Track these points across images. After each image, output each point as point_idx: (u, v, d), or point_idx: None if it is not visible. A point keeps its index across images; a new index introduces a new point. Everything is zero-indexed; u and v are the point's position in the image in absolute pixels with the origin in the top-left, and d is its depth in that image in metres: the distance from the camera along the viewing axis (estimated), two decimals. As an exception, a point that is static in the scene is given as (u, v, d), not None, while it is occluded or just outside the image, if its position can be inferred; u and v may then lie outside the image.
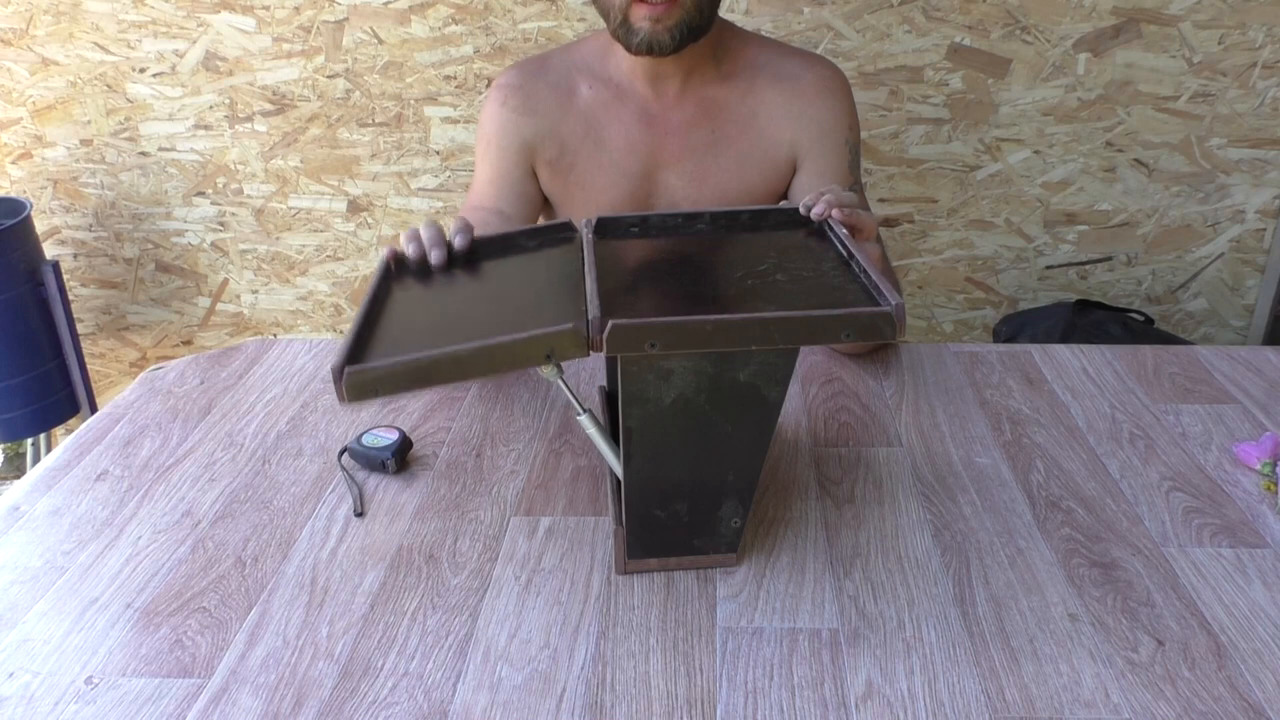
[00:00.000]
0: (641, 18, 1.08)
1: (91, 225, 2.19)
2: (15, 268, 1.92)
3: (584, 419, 0.83)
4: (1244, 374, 1.13)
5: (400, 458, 0.97)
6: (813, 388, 1.11)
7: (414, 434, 1.03)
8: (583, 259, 0.89)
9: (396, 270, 0.95)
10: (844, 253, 0.86)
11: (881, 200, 2.01)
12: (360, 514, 0.91)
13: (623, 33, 1.11)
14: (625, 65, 1.19)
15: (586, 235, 0.92)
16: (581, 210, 1.25)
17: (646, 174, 1.23)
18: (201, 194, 2.14)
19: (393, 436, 0.98)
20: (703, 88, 1.20)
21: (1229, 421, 1.04)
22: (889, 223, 2.03)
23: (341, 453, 0.99)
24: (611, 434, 0.85)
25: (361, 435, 0.98)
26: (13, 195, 2.05)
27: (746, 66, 1.21)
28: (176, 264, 2.22)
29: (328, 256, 2.18)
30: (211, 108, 2.05)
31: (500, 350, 0.73)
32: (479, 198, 1.25)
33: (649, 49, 1.10)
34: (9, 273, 1.91)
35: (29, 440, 2.15)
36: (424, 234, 0.97)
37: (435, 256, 0.95)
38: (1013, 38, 1.88)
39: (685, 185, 1.22)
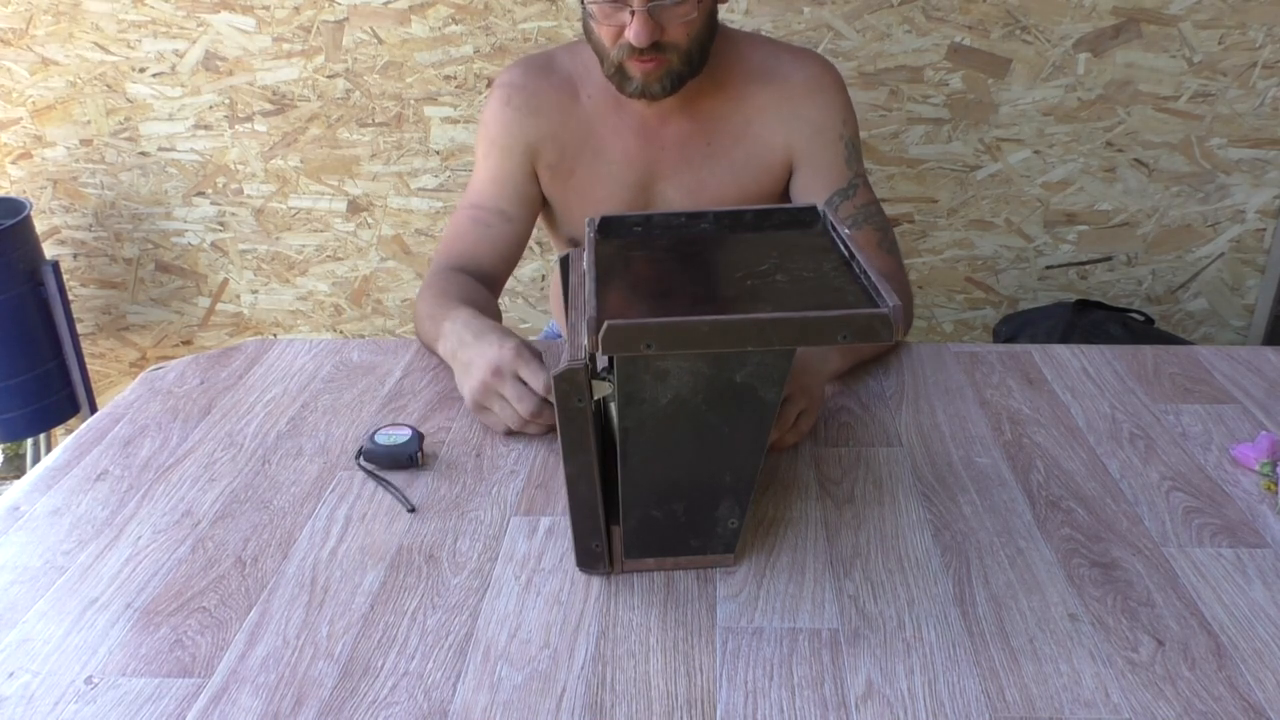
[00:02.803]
0: (634, 70, 1.11)
1: (91, 225, 2.19)
2: (15, 268, 1.92)
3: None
4: (1244, 374, 1.13)
5: (422, 452, 0.98)
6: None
7: (414, 434, 1.03)
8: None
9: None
10: (845, 253, 0.86)
11: (881, 200, 2.01)
12: (412, 510, 0.91)
13: (617, 79, 1.13)
14: None
15: (589, 234, 0.92)
16: (580, 217, 1.25)
17: (644, 186, 1.23)
18: (201, 194, 2.14)
19: (407, 433, 0.98)
20: (698, 99, 1.20)
21: (1229, 421, 1.04)
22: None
23: (358, 455, 0.99)
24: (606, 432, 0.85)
25: (374, 435, 0.98)
26: (13, 195, 2.05)
27: (739, 72, 1.21)
28: (176, 264, 2.22)
29: (328, 256, 2.18)
30: (211, 108, 2.05)
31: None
32: (479, 196, 1.24)
33: (641, 95, 1.13)
34: (9, 273, 1.91)
35: (29, 440, 2.15)
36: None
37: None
38: (1013, 38, 1.88)
39: (682, 197, 1.22)
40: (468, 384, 1.00)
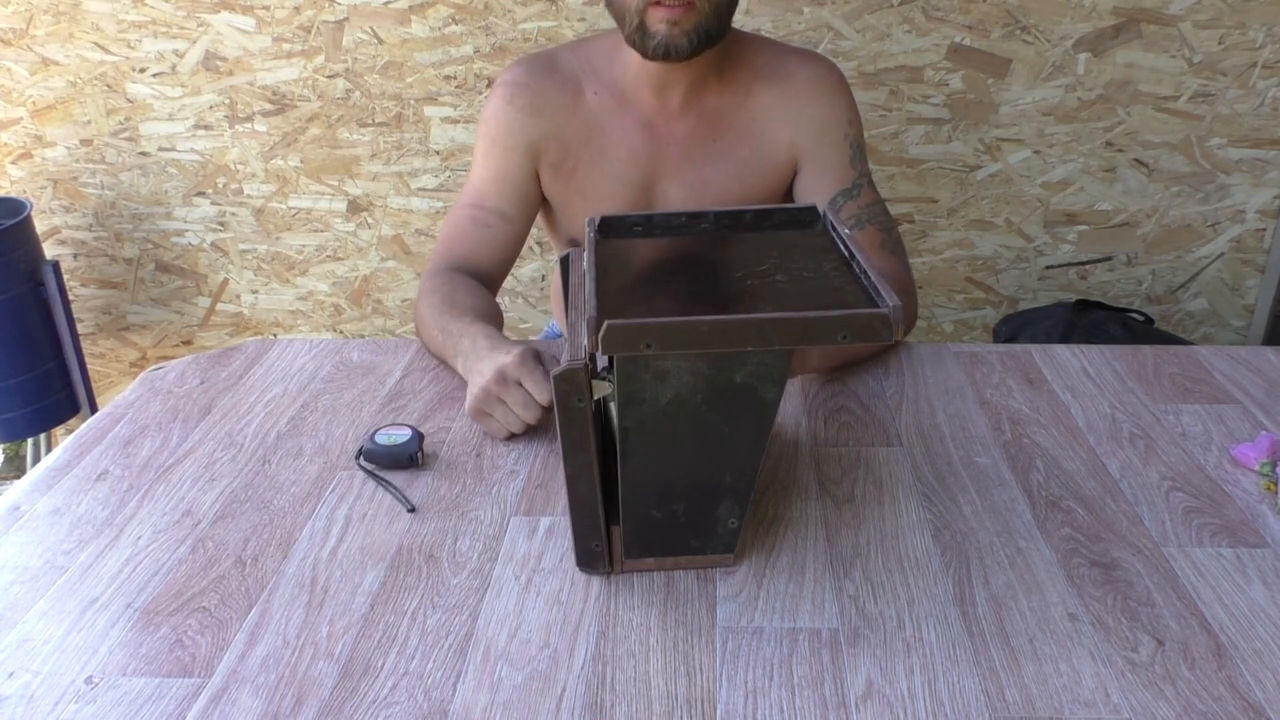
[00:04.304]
0: (659, 21, 1.07)
1: (91, 225, 2.19)
2: (15, 268, 1.92)
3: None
4: (1244, 374, 1.13)
5: (422, 452, 0.98)
6: (813, 387, 1.11)
7: (414, 434, 1.03)
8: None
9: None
10: (845, 253, 0.86)
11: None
12: (412, 510, 0.91)
13: (639, 37, 1.09)
14: (631, 71, 1.18)
15: (589, 234, 0.92)
16: (582, 216, 1.24)
17: (647, 184, 1.22)
18: (201, 194, 2.14)
19: (407, 433, 0.98)
20: (704, 97, 1.19)
21: (1229, 421, 1.04)
22: (889, 223, 2.04)
23: (358, 455, 0.99)
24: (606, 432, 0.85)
25: (374, 435, 0.98)
26: (13, 195, 2.05)
27: (744, 70, 1.20)
28: (176, 264, 2.22)
29: (328, 256, 2.18)
30: (211, 108, 2.05)
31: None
32: (478, 196, 1.24)
33: (665, 54, 1.09)
34: (9, 273, 1.91)
35: (29, 440, 2.15)
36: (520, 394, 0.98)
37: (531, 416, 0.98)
38: (1013, 38, 1.88)
39: (685, 195, 1.22)
40: (470, 390, 1.00)
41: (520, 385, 0.97)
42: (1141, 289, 2.09)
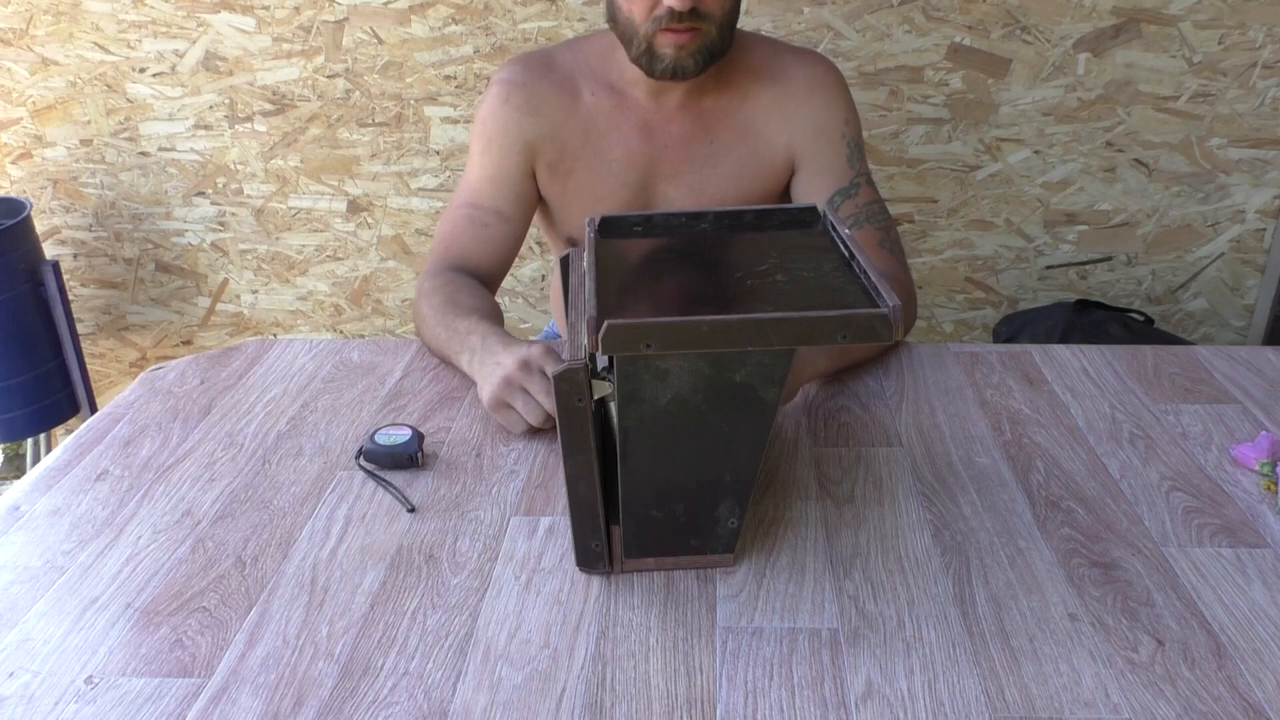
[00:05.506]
0: (666, 45, 1.09)
1: (91, 225, 2.19)
2: (15, 268, 1.92)
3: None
4: (1244, 374, 1.13)
5: (422, 452, 0.98)
6: (813, 387, 1.11)
7: (414, 434, 1.03)
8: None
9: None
10: (845, 253, 0.86)
11: (881, 200, 2.01)
12: (412, 510, 0.91)
13: (646, 60, 1.11)
14: (627, 73, 1.18)
15: (589, 234, 0.92)
16: (579, 216, 1.24)
17: (645, 185, 1.22)
18: (201, 194, 2.14)
19: (407, 433, 0.98)
20: (702, 98, 1.19)
21: (1229, 421, 1.04)
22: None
23: (358, 455, 0.99)
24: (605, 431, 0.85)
25: (374, 435, 0.98)
26: (13, 195, 2.05)
27: (741, 71, 1.20)
28: (176, 264, 2.22)
29: (328, 256, 2.18)
30: (211, 108, 2.05)
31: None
32: (475, 195, 1.23)
33: (673, 75, 1.11)
34: (9, 273, 1.91)
35: (29, 440, 2.15)
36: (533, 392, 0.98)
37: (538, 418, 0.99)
38: (1013, 38, 1.88)
39: (683, 196, 1.22)
40: (490, 380, 0.99)
41: (543, 373, 0.97)
42: (1141, 289, 2.09)
